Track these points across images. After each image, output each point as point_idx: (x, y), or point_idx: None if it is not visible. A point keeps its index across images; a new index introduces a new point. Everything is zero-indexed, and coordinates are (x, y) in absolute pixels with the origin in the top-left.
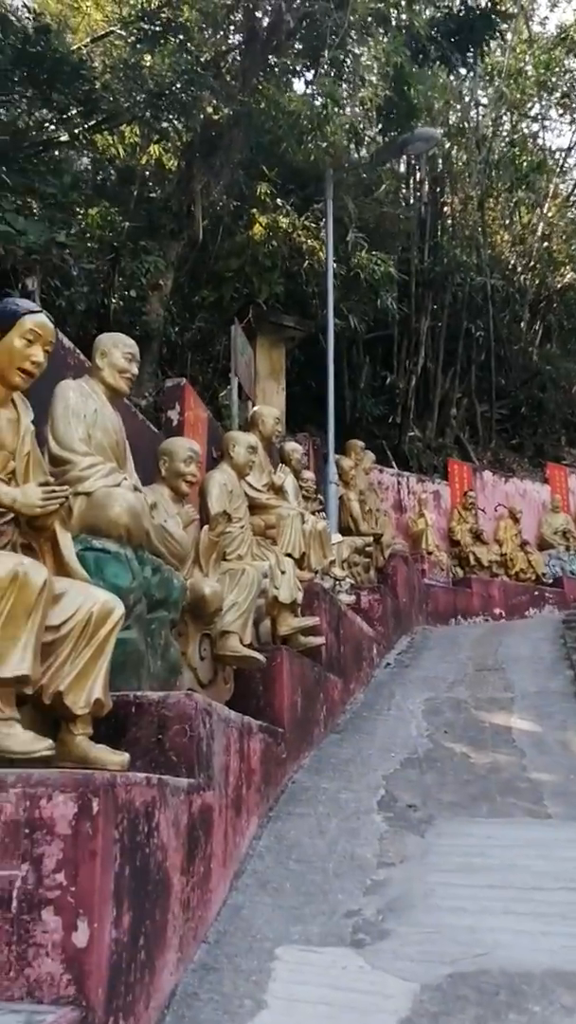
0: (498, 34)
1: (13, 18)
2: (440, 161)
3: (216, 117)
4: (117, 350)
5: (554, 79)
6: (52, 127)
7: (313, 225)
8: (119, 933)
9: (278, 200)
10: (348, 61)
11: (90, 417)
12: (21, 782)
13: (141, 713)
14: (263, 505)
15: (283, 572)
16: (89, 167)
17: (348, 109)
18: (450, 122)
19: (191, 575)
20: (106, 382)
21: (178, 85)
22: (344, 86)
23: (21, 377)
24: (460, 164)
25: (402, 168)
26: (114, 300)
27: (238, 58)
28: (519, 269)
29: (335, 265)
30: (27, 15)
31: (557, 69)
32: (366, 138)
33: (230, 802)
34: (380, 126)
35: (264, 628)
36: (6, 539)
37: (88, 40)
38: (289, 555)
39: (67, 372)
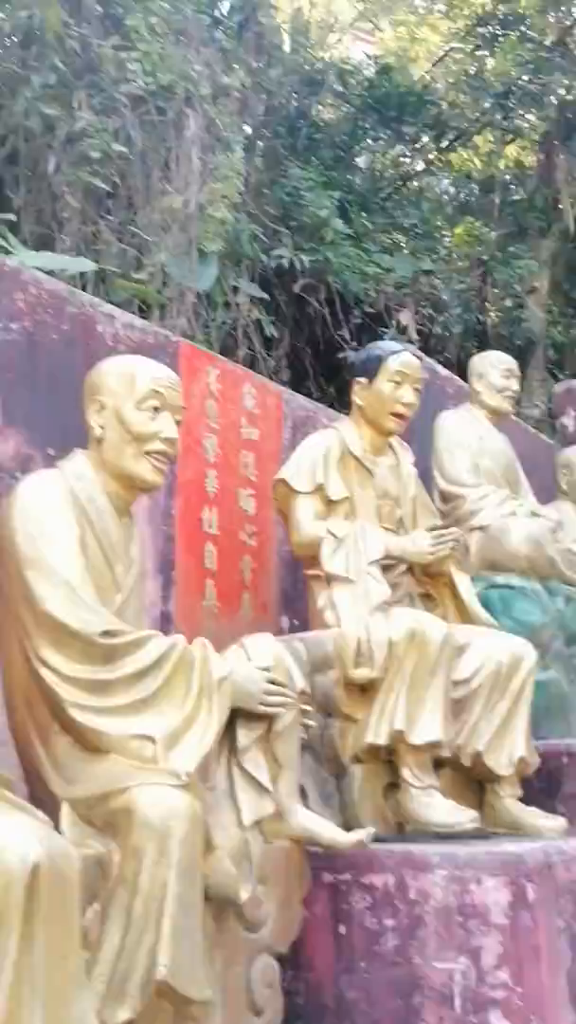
0: None
1: (354, 71)
2: None
3: (570, 97)
4: (494, 370)
5: None
6: (407, 159)
7: None
8: None
9: None
10: None
11: (475, 445)
12: (447, 863)
13: (574, 764)
14: None
15: None
16: (451, 187)
17: None
18: None
19: None
20: (487, 405)
21: (524, 77)
22: None
23: (395, 422)
24: None
25: None
26: (490, 315)
27: None
28: None
29: None
30: (368, 62)
31: None
32: None
33: None
34: None
35: None
36: (402, 591)
37: (430, 65)
38: None
39: (447, 401)
